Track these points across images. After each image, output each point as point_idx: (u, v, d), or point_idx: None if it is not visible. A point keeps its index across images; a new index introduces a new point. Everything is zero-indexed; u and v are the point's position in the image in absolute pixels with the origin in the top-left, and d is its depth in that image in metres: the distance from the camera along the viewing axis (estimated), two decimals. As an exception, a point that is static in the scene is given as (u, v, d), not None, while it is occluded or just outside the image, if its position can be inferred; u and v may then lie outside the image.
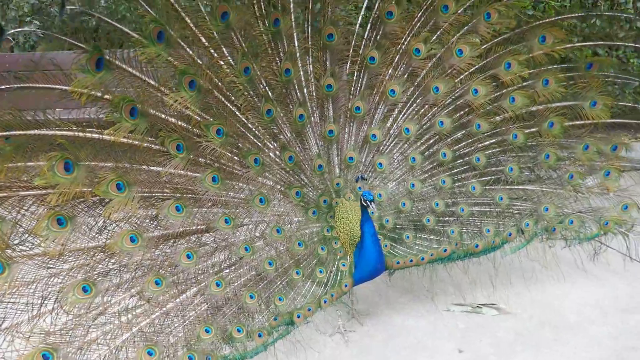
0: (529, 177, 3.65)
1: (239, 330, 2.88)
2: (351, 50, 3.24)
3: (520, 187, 3.62)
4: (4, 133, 2.24)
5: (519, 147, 3.51)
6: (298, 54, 3.05)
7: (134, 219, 2.62)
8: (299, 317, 3.09)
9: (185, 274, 2.81)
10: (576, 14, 3.67)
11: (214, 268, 2.88)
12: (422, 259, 3.48)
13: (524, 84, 3.39)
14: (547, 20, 3.32)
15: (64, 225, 2.37)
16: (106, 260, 2.58)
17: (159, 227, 2.70)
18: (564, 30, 3.31)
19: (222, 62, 2.79)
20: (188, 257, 2.78)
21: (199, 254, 2.82)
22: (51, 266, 2.44)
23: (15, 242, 2.32)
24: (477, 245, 3.56)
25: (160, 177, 2.64)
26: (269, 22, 2.96)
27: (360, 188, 3.27)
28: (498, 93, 3.42)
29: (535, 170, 3.63)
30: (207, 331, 2.79)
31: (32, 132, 2.28)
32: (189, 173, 2.73)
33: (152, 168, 2.61)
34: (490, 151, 3.54)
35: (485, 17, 3.25)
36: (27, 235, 2.32)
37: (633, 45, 4.47)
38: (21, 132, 2.26)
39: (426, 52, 3.27)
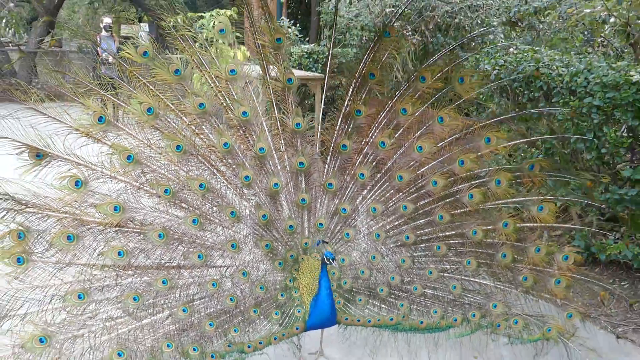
0: (486, 272, 3.89)
1: (194, 349, 3.45)
2: (317, 136, 3.81)
3: (475, 280, 3.89)
4: None
5: (478, 243, 3.79)
6: (269, 137, 3.69)
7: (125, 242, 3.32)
8: (249, 347, 3.61)
9: (161, 299, 3.45)
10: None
11: (186, 297, 3.49)
12: (369, 321, 3.83)
13: (479, 181, 3.75)
14: (486, 122, 3.79)
15: (71, 240, 3.17)
16: (100, 275, 3.31)
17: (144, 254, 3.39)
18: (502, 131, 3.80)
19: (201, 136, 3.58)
20: (163, 282, 3.42)
21: (173, 282, 3.44)
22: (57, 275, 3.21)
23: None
24: (421, 322, 3.84)
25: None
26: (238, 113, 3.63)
27: (320, 245, 3.75)
28: (457, 187, 3.78)
29: (493, 267, 3.87)
30: (168, 346, 3.40)
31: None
32: (175, 213, 3.48)
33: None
34: (451, 241, 3.85)
35: (439, 120, 3.75)
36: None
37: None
38: None
39: (390, 146, 3.77)
